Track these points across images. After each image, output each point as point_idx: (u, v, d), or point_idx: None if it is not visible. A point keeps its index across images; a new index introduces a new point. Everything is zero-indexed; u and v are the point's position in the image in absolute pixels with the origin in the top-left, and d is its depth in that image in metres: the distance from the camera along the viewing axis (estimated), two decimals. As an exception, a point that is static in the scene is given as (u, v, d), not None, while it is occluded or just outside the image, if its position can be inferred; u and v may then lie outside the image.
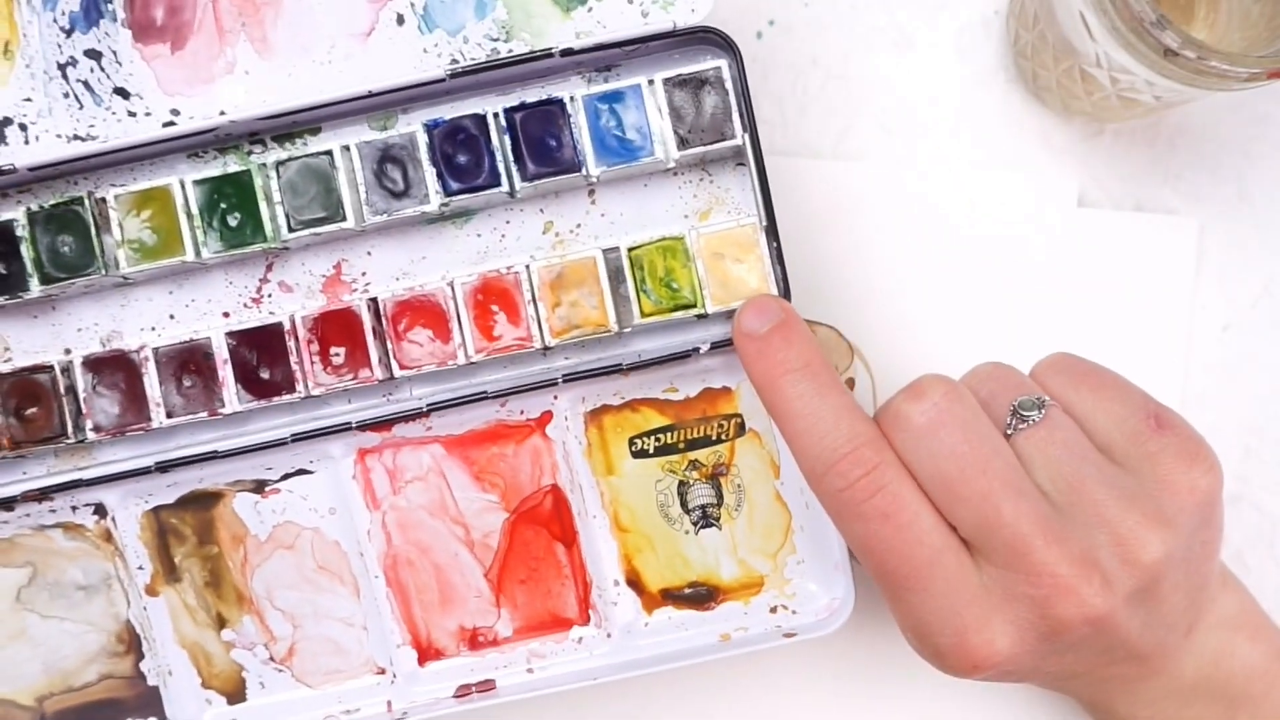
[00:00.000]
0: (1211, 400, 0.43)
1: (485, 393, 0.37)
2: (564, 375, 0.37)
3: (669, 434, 0.39)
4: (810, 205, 0.42)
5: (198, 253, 0.36)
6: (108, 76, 0.36)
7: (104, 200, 0.36)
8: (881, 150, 0.42)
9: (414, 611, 0.39)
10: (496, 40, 0.36)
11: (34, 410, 0.37)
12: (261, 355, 0.37)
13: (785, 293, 0.36)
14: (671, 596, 0.39)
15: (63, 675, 0.40)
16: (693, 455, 0.39)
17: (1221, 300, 0.43)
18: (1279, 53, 0.34)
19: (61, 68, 0.36)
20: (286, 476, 0.39)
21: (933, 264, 0.42)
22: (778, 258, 0.36)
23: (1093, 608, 0.31)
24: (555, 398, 0.38)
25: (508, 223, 0.38)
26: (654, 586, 0.39)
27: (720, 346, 0.37)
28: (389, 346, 0.37)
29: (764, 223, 0.36)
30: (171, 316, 0.38)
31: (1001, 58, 0.43)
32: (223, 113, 0.36)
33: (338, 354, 0.37)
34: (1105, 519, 0.31)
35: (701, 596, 0.39)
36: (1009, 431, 0.33)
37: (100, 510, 0.39)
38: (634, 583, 0.39)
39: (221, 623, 0.39)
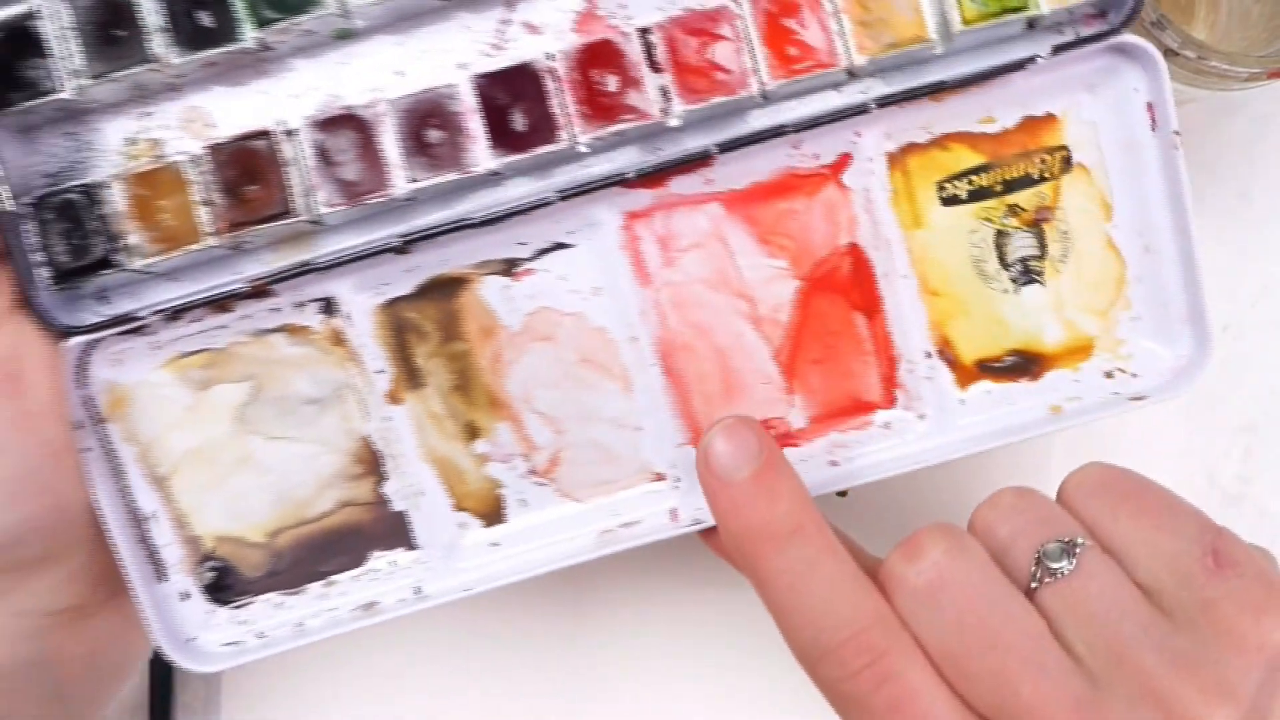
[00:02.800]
0: (1212, 400, 0.43)
1: (784, 126, 0.31)
2: (877, 100, 0.31)
3: (984, 174, 0.33)
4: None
5: (436, -25, 0.31)
6: None
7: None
8: None
9: (694, 405, 0.34)
10: None
11: (254, 187, 0.32)
12: (514, 101, 0.31)
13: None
14: (989, 368, 0.34)
15: (295, 505, 0.34)
16: (1012, 199, 0.33)
17: (1221, 300, 0.42)
18: (1279, 53, 0.34)
19: None
20: (541, 253, 0.33)
21: None
22: (1127, -64, 0.30)
23: None
24: (858, 135, 0.32)
25: (790, -70, 0.32)
26: (968, 358, 0.34)
27: (1063, 49, 0.31)
28: (667, 79, 0.31)
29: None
30: (400, 73, 0.32)
31: None
32: None
33: (606, 91, 0.31)
34: (1154, 691, 0.26)
35: (1023, 366, 0.34)
36: (1034, 584, 0.28)
37: (329, 306, 0.33)
38: (945, 354, 0.34)
39: (473, 433, 0.34)
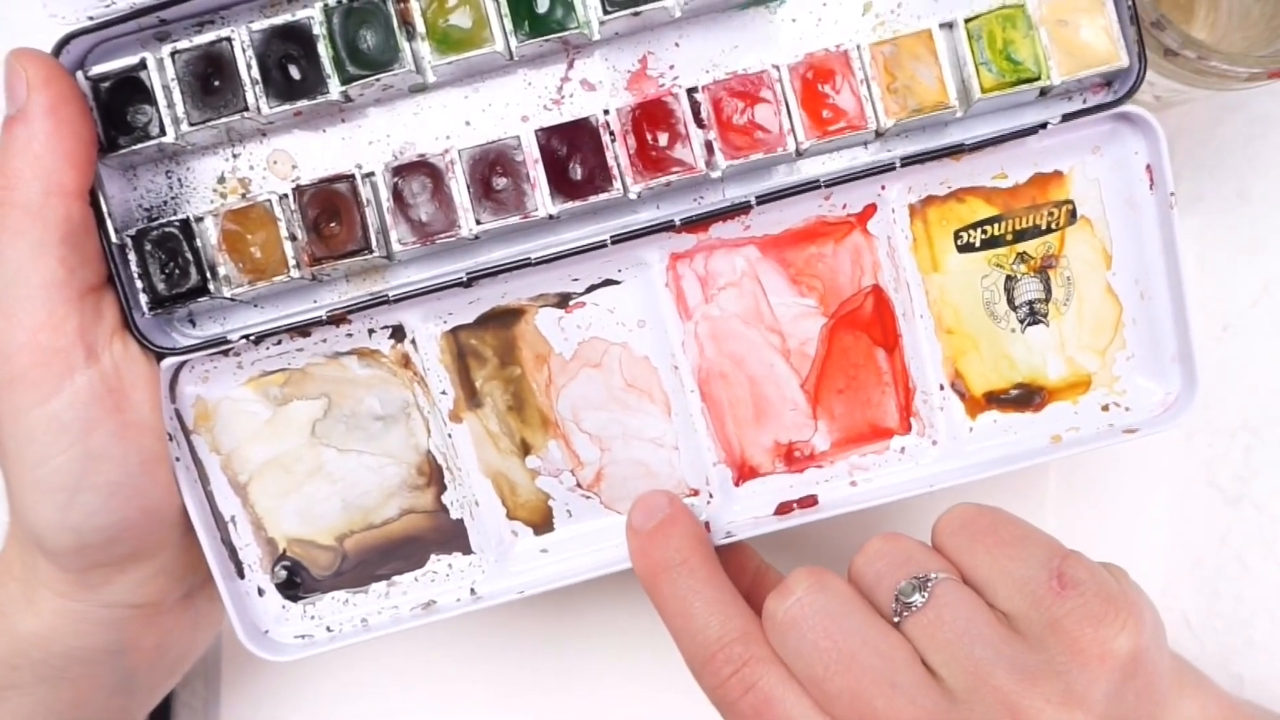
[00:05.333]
0: (1211, 400, 0.43)
1: (818, 181, 0.35)
2: (902, 159, 0.35)
3: (996, 225, 0.37)
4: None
5: (507, 45, 0.34)
6: None
7: (404, -10, 0.34)
8: None
9: (727, 428, 0.37)
10: None
11: (334, 225, 0.35)
12: (572, 152, 0.35)
13: (1140, 55, 0.34)
14: (996, 400, 0.37)
15: (362, 512, 0.38)
16: (1021, 247, 0.37)
17: (1221, 300, 0.43)
18: (1279, 53, 0.34)
19: None
20: (592, 288, 0.37)
21: None
22: (1132, 15, 0.34)
23: None
24: (883, 188, 0.36)
25: (824, 4, 0.35)
26: (978, 390, 0.37)
27: (1072, 117, 0.34)
28: (712, 135, 0.34)
29: (1113, -22, 0.34)
30: (467, 123, 0.36)
31: None
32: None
33: (656, 146, 0.34)
34: (1009, 705, 0.29)
35: (1027, 398, 0.37)
36: (896, 620, 0.31)
37: (398, 333, 0.37)
38: (957, 387, 0.37)
39: (526, 449, 0.38)
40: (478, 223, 0.35)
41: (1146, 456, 0.45)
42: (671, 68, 0.36)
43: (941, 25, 0.34)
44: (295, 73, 0.34)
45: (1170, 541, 0.45)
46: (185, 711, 0.48)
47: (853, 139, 0.35)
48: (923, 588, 0.31)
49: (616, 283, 0.37)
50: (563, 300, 0.37)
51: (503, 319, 0.37)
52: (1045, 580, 0.30)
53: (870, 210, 0.36)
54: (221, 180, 0.36)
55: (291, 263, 0.35)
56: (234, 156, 0.36)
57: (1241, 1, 0.38)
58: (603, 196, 0.35)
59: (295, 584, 0.38)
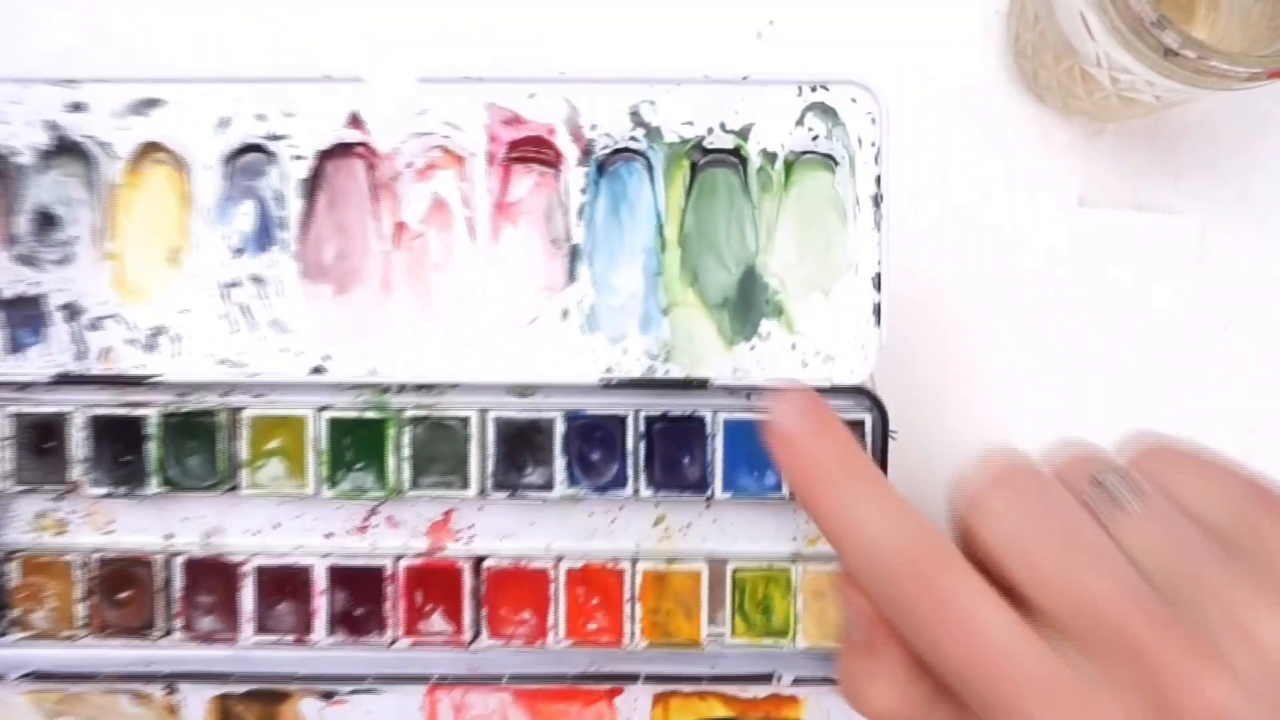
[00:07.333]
0: (1212, 400, 0.43)
1: (565, 675, 0.38)
2: (646, 675, 0.38)
3: (729, 727, 0.40)
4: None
5: (317, 491, 0.37)
6: (268, 306, 0.36)
7: (238, 415, 0.36)
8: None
9: (451, 833, 0.41)
10: (655, 359, 0.36)
11: (127, 595, 0.38)
12: (357, 592, 0.38)
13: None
14: None
15: (104, 825, 0.41)
16: (746, 749, 0.40)
17: (1221, 300, 0.43)
18: (1279, 53, 0.34)
19: (224, 287, 0.36)
20: (356, 691, 0.40)
21: (931, 264, 0.42)
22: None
23: (1212, 697, 0.26)
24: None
25: (621, 509, 0.38)
26: None
27: (801, 684, 0.38)
28: (483, 613, 0.38)
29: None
30: (277, 525, 0.39)
31: (1001, 58, 0.42)
32: (373, 371, 0.36)
33: (432, 610, 0.38)
34: (1216, 594, 0.27)
35: None
36: (1095, 506, 0.30)
37: (171, 687, 0.40)
38: None
39: (265, 807, 0.41)
40: (257, 632, 0.38)
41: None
42: (471, 526, 0.39)
43: (712, 563, 0.38)
44: (124, 458, 0.37)
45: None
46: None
47: (608, 651, 0.38)
48: (1132, 487, 0.30)
49: (378, 692, 0.40)
50: (327, 695, 0.40)
51: (269, 697, 0.40)
52: (1249, 496, 0.29)
53: (618, 691, 0.40)
54: (40, 515, 0.39)
55: (80, 621, 0.38)
56: (57, 498, 0.39)
57: (1241, 1, 0.38)
58: (374, 639, 0.38)
59: None
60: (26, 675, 0.38)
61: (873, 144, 0.36)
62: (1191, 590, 0.27)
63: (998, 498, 0.29)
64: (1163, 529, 0.29)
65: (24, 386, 0.37)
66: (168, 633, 0.38)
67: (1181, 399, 0.42)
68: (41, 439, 0.37)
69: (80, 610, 0.37)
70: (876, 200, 0.36)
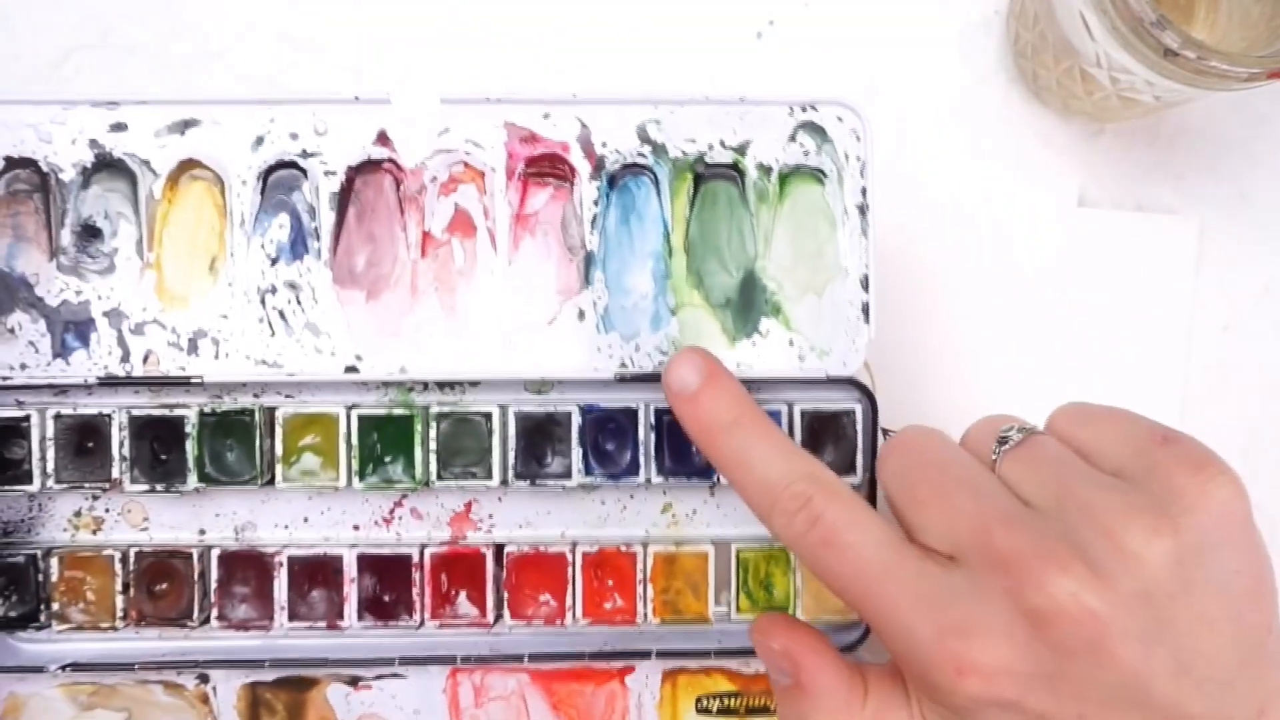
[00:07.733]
0: (1211, 400, 0.43)
1: (584, 653, 0.41)
2: (658, 651, 0.41)
3: (734, 699, 0.43)
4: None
5: (349, 482, 0.39)
6: (303, 311, 0.38)
7: (273, 413, 0.39)
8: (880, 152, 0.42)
9: (471, 811, 0.43)
10: (665, 354, 0.39)
11: (165, 586, 0.40)
12: (385, 580, 0.40)
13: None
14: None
15: (137, 813, 0.43)
16: (749, 721, 0.43)
17: (1221, 300, 0.44)
18: (1279, 53, 0.34)
19: (261, 293, 0.38)
20: (381, 676, 0.42)
21: (932, 265, 0.43)
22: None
23: (1076, 601, 0.27)
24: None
25: (631, 497, 0.41)
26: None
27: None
28: (504, 595, 0.40)
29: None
30: (306, 519, 0.41)
31: (1001, 58, 0.43)
32: (403, 369, 0.38)
33: (457, 595, 0.40)
34: (1095, 515, 0.28)
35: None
36: (994, 457, 0.31)
37: (203, 677, 0.42)
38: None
39: (293, 793, 0.43)
40: (290, 619, 0.40)
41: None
42: (491, 516, 0.41)
43: (717, 544, 0.41)
44: (163, 455, 0.39)
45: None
46: None
47: (622, 630, 0.41)
48: (1023, 430, 0.32)
49: (402, 677, 0.42)
50: (353, 680, 0.42)
51: (298, 684, 0.42)
52: (1148, 436, 0.30)
53: (630, 669, 0.42)
54: (78, 514, 0.41)
55: (119, 613, 0.39)
56: (93, 498, 0.41)
57: (1241, 1, 0.38)
58: (402, 623, 0.40)
59: None
60: (65, 666, 0.40)
61: (858, 158, 0.39)
62: (1072, 512, 0.28)
63: (894, 452, 0.33)
64: (1048, 462, 0.30)
65: (63, 390, 0.39)
66: (205, 622, 0.40)
67: (1181, 399, 0.44)
68: (82, 439, 0.39)
69: (120, 602, 0.39)
70: (863, 209, 0.39)
